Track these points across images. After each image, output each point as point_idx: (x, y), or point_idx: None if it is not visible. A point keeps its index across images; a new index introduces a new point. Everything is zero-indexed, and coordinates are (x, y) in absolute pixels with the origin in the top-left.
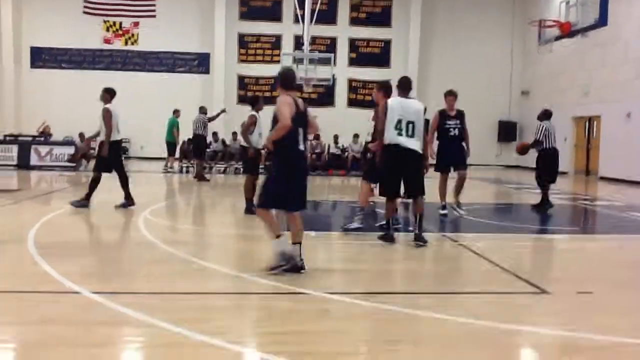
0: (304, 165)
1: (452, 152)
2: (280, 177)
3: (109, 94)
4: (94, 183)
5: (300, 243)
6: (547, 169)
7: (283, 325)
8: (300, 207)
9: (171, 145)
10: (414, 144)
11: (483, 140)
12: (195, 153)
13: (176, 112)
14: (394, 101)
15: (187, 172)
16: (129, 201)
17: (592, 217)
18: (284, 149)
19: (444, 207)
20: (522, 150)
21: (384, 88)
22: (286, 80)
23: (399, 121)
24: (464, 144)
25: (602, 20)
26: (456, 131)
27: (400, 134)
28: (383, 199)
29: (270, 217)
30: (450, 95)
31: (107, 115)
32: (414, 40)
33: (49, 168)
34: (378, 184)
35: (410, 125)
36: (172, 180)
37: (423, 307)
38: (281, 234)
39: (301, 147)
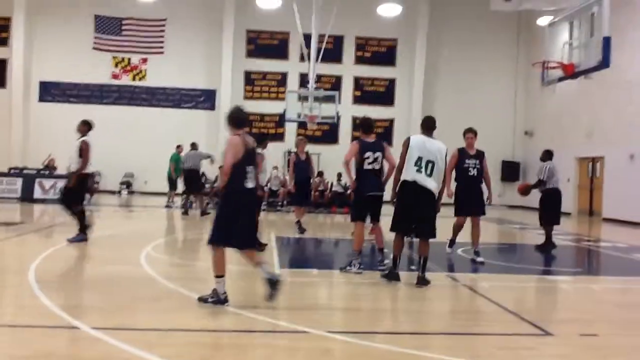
0: (252, 203)
1: (471, 198)
2: (228, 215)
3: (86, 126)
4: (82, 215)
5: (223, 276)
6: (550, 210)
7: None
8: (248, 245)
9: (171, 180)
10: (431, 184)
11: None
12: (192, 188)
13: (179, 148)
14: (417, 139)
15: (191, 207)
16: (84, 235)
17: (596, 259)
18: (231, 187)
19: (451, 244)
20: (524, 191)
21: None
22: (236, 119)
23: (419, 159)
24: (483, 186)
25: (605, 63)
26: (475, 171)
27: (419, 171)
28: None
29: (219, 255)
30: (470, 132)
31: (86, 148)
32: (418, 79)
33: (52, 202)
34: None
35: (430, 165)
36: (174, 215)
37: (425, 348)
38: (222, 275)
39: (249, 185)
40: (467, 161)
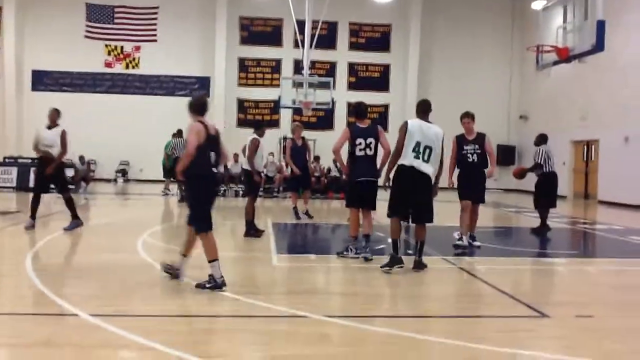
0: (215, 188)
1: (471, 184)
2: (199, 201)
3: (58, 114)
4: (70, 202)
5: (216, 260)
6: (546, 193)
7: (282, 349)
8: (210, 227)
9: (165, 168)
10: (428, 169)
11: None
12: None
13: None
14: (414, 123)
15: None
16: (78, 220)
17: (592, 241)
18: (196, 171)
19: (460, 238)
20: (520, 174)
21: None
22: (197, 106)
23: (418, 144)
24: (486, 170)
25: (600, 46)
26: (475, 157)
27: (417, 157)
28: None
29: (208, 240)
30: (466, 117)
31: (65, 137)
32: (412, 65)
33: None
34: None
35: (428, 150)
36: (170, 202)
37: (423, 331)
38: (216, 259)
39: (213, 170)
40: (465, 147)
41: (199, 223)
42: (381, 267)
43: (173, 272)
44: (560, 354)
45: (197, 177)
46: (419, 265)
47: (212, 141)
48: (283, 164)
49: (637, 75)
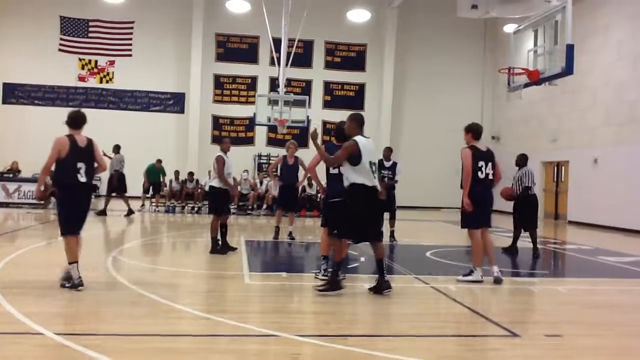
0: (84, 196)
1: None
2: (62, 207)
3: None
4: None
5: (76, 262)
6: (532, 215)
7: None
8: (78, 230)
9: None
10: (377, 185)
11: (454, 183)
12: (121, 190)
13: (159, 162)
14: (363, 140)
15: (174, 211)
16: None
17: (562, 261)
18: (62, 181)
19: (473, 271)
20: (509, 197)
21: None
22: (72, 120)
23: (371, 163)
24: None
25: (569, 69)
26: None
27: (374, 176)
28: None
29: (70, 243)
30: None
31: None
32: (387, 84)
33: (16, 205)
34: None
35: (375, 166)
36: (143, 219)
37: (394, 350)
38: (75, 262)
39: (82, 179)
40: (479, 162)
41: (61, 226)
42: (317, 288)
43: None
44: None
45: (63, 186)
46: (380, 287)
47: (79, 153)
48: (257, 181)
49: (605, 97)
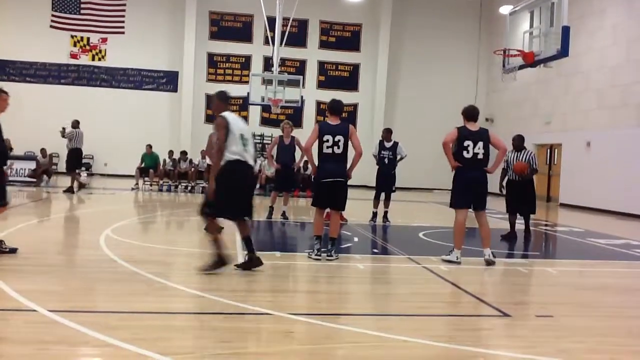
0: None
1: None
2: None
3: None
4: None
5: None
6: (532, 199)
7: (245, 347)
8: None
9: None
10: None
11: (447, 165)
12: (76, 166)
13: (149, 148)
14: (231, 115)
15: (169, 190)
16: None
17: (553, 243)
18: None
19: (451, 252)
20: (522, 172)
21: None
22: None
23: (242, 135)
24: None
25: (564, 51)
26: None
27: (245, 148)
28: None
29: None
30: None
31: None
32: (382, 65)
33: (9, 183)
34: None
35: (247, 141)
36: (137, 197)
37: (387, 329)
38: None
39: None
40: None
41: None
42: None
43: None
44: (520, 353)
45: None
46: (249, 263)
47: None
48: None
49: (599, 80)
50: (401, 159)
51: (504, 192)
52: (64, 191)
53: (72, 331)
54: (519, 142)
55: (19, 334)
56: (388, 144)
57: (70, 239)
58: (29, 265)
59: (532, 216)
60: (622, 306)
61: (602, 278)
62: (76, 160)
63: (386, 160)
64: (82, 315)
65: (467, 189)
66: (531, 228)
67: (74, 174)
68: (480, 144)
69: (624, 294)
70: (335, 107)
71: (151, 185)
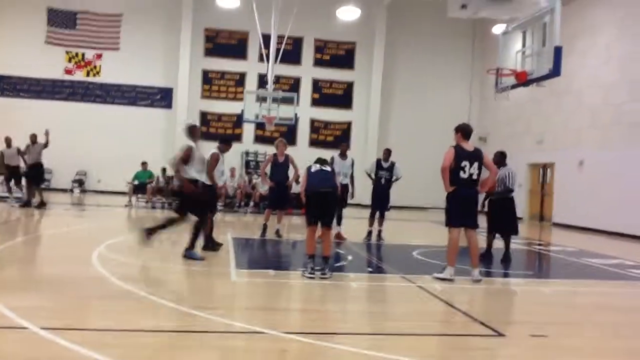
0: None
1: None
2: None
3: None
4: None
5: None
6: (512, 219)
7: None
8: None
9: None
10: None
11: (441, 183)
12: (38, 182)
13: (144, 165)
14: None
15: (163, 207)
16: None
17: (546, 262)
18: None
19: (445, 269)
20: (488, 192)
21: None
22: None
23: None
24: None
25: (556, 71)
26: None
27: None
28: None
29: None
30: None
31: None
32: (376, 83)
33: (1, 199)
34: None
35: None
36: (130, 214)
37: (380, 348)
38: None
39: None
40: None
41: None
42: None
43: None
44: None
45: None
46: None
47: None
48: (245, 178)
49: (591, 100)
50: (397, 179)
51: (485, 209)
52: (21, 206)
53: (64, 349)
54: (499, 159)
55: (9, 352)
56: (386, 164)
57: (63, 255)
58: (21, 281)
59: (523, 235)
60: (618, 326)
61: (596, 298)
62: (35, 175)
63: (382, 181)
64: (73, 332)
65: (462, 208)
66: (511, 249)
67: (39, 189)
68: (476, 164)
69: (619, 313)
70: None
71: (146, 202)
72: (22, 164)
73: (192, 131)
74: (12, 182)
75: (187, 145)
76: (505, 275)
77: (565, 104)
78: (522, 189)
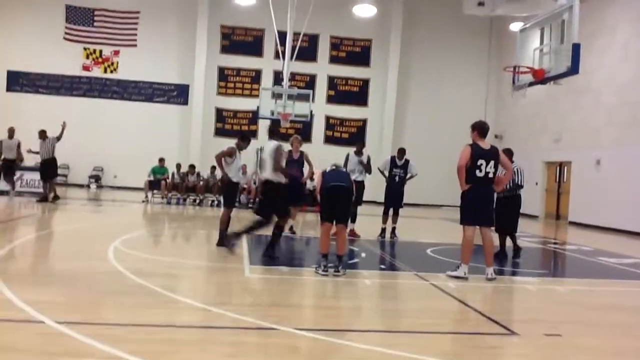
0: None
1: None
2: None
3: None
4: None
5: None
6: (515, 217)
7: None
8: None
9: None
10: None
11: (456, 181)
12: (52, 176)
13: (161, 162)
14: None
15: (178, 203)
16: None
17: (562, 261)
18: None
19: (459, 267)
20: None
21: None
22: None
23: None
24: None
25: (574, 69)
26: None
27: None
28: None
29: None
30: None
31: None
32: (391, 80)
33: (18, 194)
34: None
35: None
36: (146, 210)
37: (393, 346)
38: None
39: None
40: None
41: None
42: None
43: None
44: None
45: None
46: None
47: None
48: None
49: (608, 98)
50: (411, 177)
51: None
52: (38, 201)
53: (80, 343)
54: (506, 156)
55: (27, 345)
56: (400, 162)
57: (79, 250)
58: (38, 275)
59: (532, 232)
60: (633, 326)
61: (612, 297)
62: (49, 169)
63: (397, 178)
64: (89, 327)
65: (478, 206)
66: (506, 247)
67: (51, 183)
68: (492, 163)
69: (634, 313)
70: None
71: (162, 198)
72: (21, 157)
73: (274, 130)
74: (2, 175)
75: (278, 144)
76: (520, 273)
77: (583, 102)
78: (538, 188)
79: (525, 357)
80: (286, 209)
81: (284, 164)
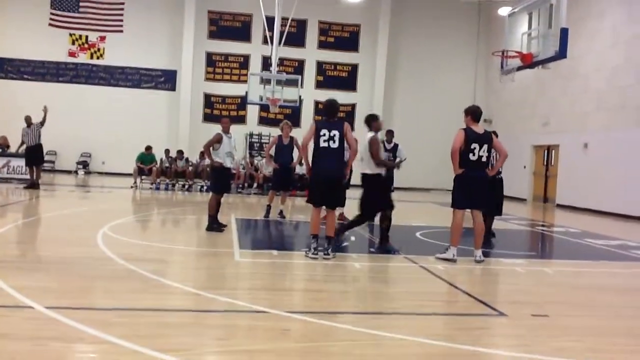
0: None
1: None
2: None
3: None
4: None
5: None
6: (500, 200)
7: (242, 344)
8: None
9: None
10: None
11: (445, 165)
12: (38, 163)
13: (148, 150)
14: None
15: (167, 189)
16: None
17: (549, 243)
18: None
19: (448, 249)
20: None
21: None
22: None
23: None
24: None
25: (562, 53)
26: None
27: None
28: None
29: None
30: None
31: None
32: (380, 65)
33: (5, 180)
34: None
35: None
36: (134, 196)
37: (382, 328)
38: None
39: None
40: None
41: None
42: None
43: None
44: (515, 352)
45: None
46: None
47: None
48: (247, 161)
49: (597, 82)
50: (400, 161)
51: None
52: (25, 187)
53: (69, 328)
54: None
55: (16, 330)
56: (389, 146)
57: (68, 236)
58: (26, 262)
59: (520, 215)
60: (619, 306)
61: (598, 278)
62: (35, 156)
63: None
64: (79, 312)
65: (470, 190)
66: (492, 230)
67: (38, 169)
68: (485, 147)
69: (621, 294)
70: (330, 109)
71: (152, 184)
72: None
73: (372, 122)
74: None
75: (373, 135)
76: (508, 255)
77: (571, 87)
78: (526, 171)
79: (514, 338)
80: (390, 200)
81: (382, 155)
